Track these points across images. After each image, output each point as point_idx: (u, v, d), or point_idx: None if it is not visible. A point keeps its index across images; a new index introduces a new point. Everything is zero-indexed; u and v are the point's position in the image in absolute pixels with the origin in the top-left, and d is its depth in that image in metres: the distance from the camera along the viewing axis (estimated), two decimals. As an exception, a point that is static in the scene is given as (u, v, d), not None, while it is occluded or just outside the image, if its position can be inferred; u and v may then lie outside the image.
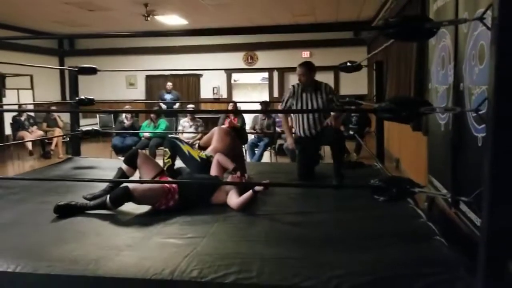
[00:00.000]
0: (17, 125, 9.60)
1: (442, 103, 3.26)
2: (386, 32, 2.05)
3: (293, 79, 12.74)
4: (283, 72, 12.67)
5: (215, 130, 4.13)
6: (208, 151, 3.93)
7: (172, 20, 10.44)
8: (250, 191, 3.08)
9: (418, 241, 2.41)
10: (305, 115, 4.21)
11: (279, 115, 6.48)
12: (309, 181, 4.14)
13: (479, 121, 2.29)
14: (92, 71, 4.97)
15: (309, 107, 4.19)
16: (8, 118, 10.03)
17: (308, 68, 4.21)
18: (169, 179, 3.33)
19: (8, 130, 10.21)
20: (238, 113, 8.38)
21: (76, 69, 4.99)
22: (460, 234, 2.73)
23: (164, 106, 10.78)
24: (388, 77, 7.58)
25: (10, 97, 10.78)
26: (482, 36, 2.38)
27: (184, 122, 8.32)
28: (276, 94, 12.75)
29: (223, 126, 4.50)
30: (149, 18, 9.43)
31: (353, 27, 13.61)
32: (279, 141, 8.40)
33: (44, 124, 10.03)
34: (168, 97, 11.12)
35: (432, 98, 3.62)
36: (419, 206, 3.09)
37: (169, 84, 11.39)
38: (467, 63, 2.67)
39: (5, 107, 10.21)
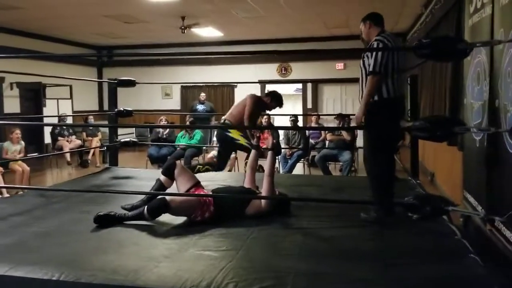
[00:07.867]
0: (56, 134, 9.93)
1: (477, 119, 3.24)
2: (420, 52, 2.07)
3: (327, 90, 12.73)
4: (316, 83, 12.68)
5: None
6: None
7: (207, 32, 10.63)
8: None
9: (451, 259, 2.40)
10: None
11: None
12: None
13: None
14: (130, 83, 5.13)
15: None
16: (47, 127, 10.39)
17: (363, 21, 3.27)
18: (205, 191, 3.40)
19: (47, 139, 10.58)
20: (269, 128, 8.31)
21: (115, 81, 5.14)
22: (495, 252, 2.70)
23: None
24: (423, 92, 7.50)
25: (50, 107, 11.19)
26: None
27: (218, 133, 8.39)
28: (309, 105, 12.75)
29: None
30: (185, 31, 9.62)
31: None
32: (312, 153, 8.39)
33: (84, 134, 10.34)
34: (200, 107, 11.01)
35: (467, 113, 3.60)
36: (454, 222, 3.06)
37: (203, 95, 11.25)
38: (503, 79, 2.66)
39: (45, 119, 10.53)
